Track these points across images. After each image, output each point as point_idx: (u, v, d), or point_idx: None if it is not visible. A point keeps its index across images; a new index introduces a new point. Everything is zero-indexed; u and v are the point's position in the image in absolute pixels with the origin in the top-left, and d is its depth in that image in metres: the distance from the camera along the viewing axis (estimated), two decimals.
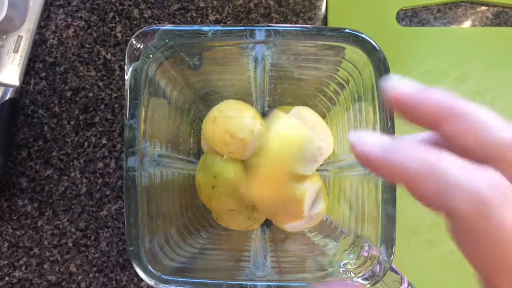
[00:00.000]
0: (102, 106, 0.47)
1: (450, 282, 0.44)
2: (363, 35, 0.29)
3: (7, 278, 0.45)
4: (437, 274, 0.44)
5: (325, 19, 0.48)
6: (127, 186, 0.27)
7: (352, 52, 0.30)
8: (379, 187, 0.29)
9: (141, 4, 0.48)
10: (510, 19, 0.47)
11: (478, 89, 0.46)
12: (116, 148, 0.46)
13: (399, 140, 0.19)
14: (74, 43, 0.48)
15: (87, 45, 0.48)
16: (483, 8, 0.48)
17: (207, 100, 0.40)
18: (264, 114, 0.40)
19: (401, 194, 0.46)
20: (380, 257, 0.28)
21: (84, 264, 0.45)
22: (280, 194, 0.35)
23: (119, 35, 0.48)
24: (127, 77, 0.28)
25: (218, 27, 0.29)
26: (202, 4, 0.48)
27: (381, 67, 0.29)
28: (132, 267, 0.41)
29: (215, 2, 0.48)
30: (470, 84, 0.46)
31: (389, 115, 0.29)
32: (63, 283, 0.45)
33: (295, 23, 0.48)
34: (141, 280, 0.45)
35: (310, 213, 0.36)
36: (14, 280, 0.45)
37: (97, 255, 0.45)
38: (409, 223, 0.44)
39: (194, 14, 0.48)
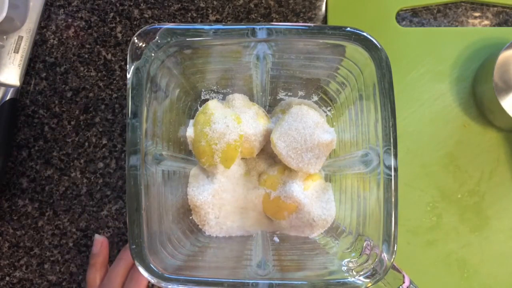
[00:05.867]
0: (103, 106, 0.47)
1: (450, 282, 0.44)
2: (365, 34, 0.29)
3: (7, 278, 0.45)
4: (437, 274, 0.44)
5: (325, 19, 0.48)
6: (129, 184, 0.27)
7: (353, 50, 0.30)
8: (380, 185, 0.29)
9: (142, 5, 0.48)
10: (510, 19, 0.48)
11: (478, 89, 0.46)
12: (117, 148, 0.46)
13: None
14: (75, 43, 0.48)
15: (87, 46, 0.48)
16: (483, 8, 0.48)
17: (208, 99, 0.40)
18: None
19: (402, 194, 0.46)
20: (382, 256, 0.28)
21: (84, 264, 0.45)
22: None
23: (119, 35, 0.48)
24: (129, 75, 0.28)
25: (220, 26, 0.29)
26: (202, 4, 0.48)
27: (383, 65, 0.29)
28: None
29: (215, 2, 0.48)
30: (470, 84, 0.46)
31: (391, 113, 0.29)
32: (63, 283, 0.45)
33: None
34: None
35: None
36: (15, 280, 0.45)
37: None
38: (409, 223, 0.44)
39: (194, 14, 0.48)
